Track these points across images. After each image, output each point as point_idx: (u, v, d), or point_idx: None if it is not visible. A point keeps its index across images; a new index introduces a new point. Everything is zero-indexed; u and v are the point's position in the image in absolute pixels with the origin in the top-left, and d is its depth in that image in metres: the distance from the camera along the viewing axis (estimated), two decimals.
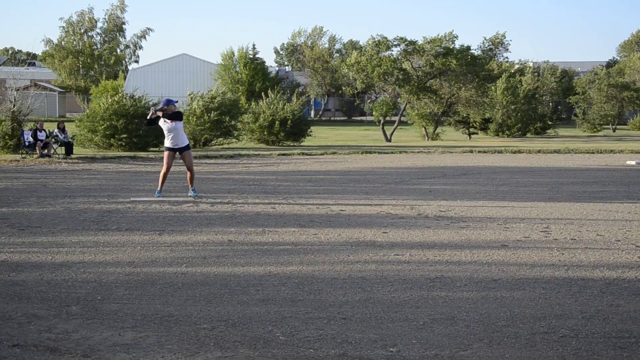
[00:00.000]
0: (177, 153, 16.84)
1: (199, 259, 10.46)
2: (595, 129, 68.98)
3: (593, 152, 36.53)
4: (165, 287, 8.67)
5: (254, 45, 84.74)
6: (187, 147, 17.05)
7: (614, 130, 71.34)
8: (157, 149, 33.93)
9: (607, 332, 6.96)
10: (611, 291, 8.62)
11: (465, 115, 54.88)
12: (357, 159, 32.03)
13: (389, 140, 47.14)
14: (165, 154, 16.87)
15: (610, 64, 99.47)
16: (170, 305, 7.79)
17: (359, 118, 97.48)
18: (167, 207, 15.63)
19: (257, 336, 6.68)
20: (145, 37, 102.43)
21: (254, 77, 76.88)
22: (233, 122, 38.45)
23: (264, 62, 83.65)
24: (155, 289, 8.57)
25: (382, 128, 50.40)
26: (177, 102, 18.11)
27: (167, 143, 16.83)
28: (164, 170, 16.79)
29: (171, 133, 16.66)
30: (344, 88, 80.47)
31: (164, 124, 16.62)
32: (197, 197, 16.71)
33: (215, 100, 37.10)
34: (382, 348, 6.40)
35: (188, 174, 16.85)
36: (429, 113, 52.13)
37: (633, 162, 29.79)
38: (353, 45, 64.75)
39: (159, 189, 16.78)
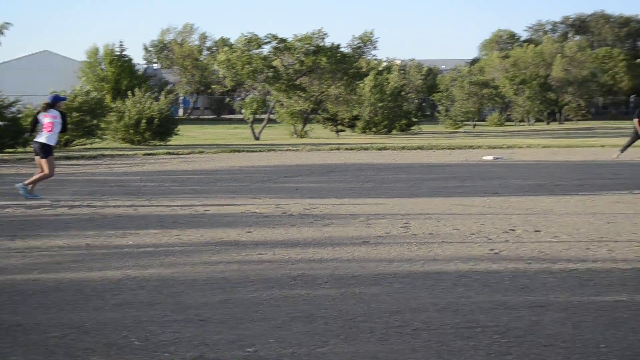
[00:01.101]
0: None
1: (53, 264, 10.16)
2: (456, 126, 70.45)
3: (454, 148, 37.27)
4: (15, 295, 8.40)
5: (120, 42, 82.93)
6: None
7: (473, 127, 72.80)
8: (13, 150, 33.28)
9: (457, 323, 7.18)
10: (463, 283, 8.88)
11: (334, 112, 55.32)
12: (225, 157, 31.84)
13: (258, 139, 47.17)
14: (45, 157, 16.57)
15: (473, 62, 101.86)
16: (19, 314, 7.53)
17: (228, 116, 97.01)
18: (22, 210, 15.22)
19: (110, 342, 6.59)
20: (2, 32, 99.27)
21: (120, 75, 75.61)
22: (96, 122, 37.57)
23: (132, 59, 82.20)
24: (3, 298, 8.29)
25: (251, 126, 50.40)
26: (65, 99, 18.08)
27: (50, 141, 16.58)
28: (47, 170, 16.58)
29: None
30: (213, 86, 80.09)
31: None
32: (27, 197, 16.31)
33: (76, 100, 36.14)
34: (240, 349, 6.45)
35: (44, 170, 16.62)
36: (298, 111, 52.31)
37: (490, 158, 30.55)
38: (224, 42, 63.98)
39: (29, 185, 16.40)
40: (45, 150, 16.49)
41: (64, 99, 18.87)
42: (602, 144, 39.68)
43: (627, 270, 9.59)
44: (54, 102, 16.99)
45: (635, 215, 14.32)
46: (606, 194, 17.62)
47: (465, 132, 63.11)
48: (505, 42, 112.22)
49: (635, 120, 29.74)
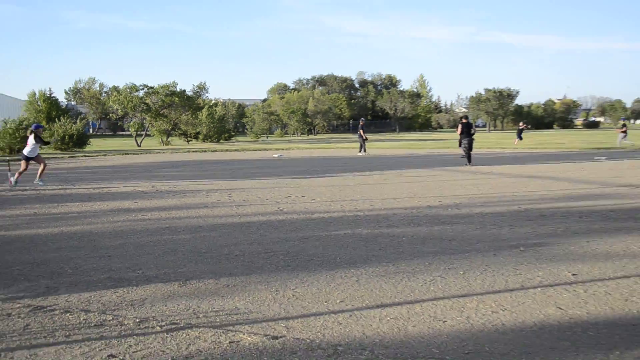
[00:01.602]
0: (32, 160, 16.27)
1: (13, 225, 9.75)
2: (257, 137, 71.06)
3: (255, 150, 37.49)
4: None
5: (50, 88, 79.00)
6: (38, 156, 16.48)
7: (267, 137, 73.60)
8: None
9: (260, 251, 7.38)
10: (262, 227, 9.04)
11: (185, 130, 54.97)
12: (119, 158, 30.83)
13: (140, 146, 45.96)
14: (25, 161, 16.14)
15: (264, 100, 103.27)
16: None
17: (120, 133, 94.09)
18: None
19: (53, 271, 6.47)
20: None
21: (50, 108, 71.35)
22: None
23: (57, 98, 77.92)
24: None
25: (135, 139, 49.37)
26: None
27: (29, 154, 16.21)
28: (23, 168, 16.13)
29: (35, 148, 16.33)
30: (110, 114, 77.14)
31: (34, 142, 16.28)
32: (42, 185, 15.93)
33: (24, 123, 34.66)
34: (133, 271, 6.45)
35: (41, 167, 16.37)
36: (163, 129, 51.59)
37: (276, 155, 31.00)
38: (115, 88, 63.54)
39: (16, 178, 15.78)
40: (28, 158, 16.16)
41: (42, 127, 18.46)
42: (337, 147, 40.91)
43: (350, 217, 10.02)
44: (36, 129, 16.71)
45: (356, 186, 14.90)
46: (343, 174, 18.28)
47: (263, 140, 63.72)
48: (281, 89, 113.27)
49: (360, 131, 30.96)
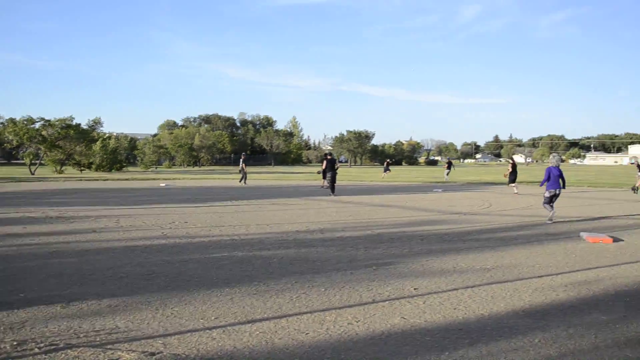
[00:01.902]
0: None
1: None
2: (147, 168, 68.62)
3: (146, 180, 36.01)
4: None
5: None
6: None
7: (156, 168, 71.18)
8: None
9: (143, 272, 7.03)
10: (147, 251, 8.62)
11: (79, 159, 51.73)
12: (14, 185, 28.29)
13: (33, 174, 42.56)
14: None
15: (155, 135, 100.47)
16: None
17: (15, 162, 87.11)
18: None
19: None
20: None
21: None
22: None
23: None
24: None
25: (29, 167, 45.93)
26: None
27: None
28: None
29: None
30: (5, 144, 71.22)
31: None
32: None
33: None
34: (15, 295, 5.87)
35: None
36: (57, 159, 48.20)
37: (163, 184, 29.98)
38: (12, 120, 58.13)
39: None
40: None
41: None
42: (219, 178, 40.26)
43: (228, 241, 9.81)
44: None
45: (234, 213, 14.62)
46: (224, 202, 17.94)
47: (152, 171, 61.39)
48: (171, 125, 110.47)
49: (243, 165, 30.74)
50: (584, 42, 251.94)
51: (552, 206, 12.88)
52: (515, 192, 23.03)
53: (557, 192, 12.89)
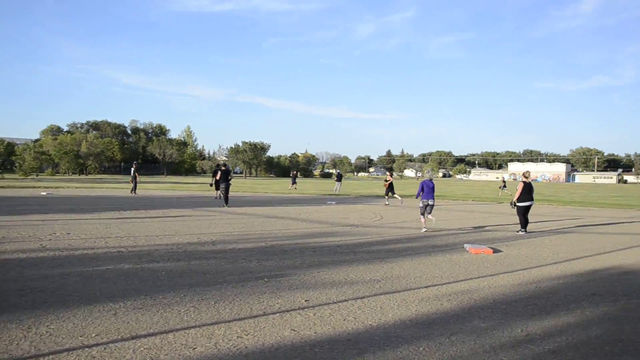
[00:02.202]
0: None
1: None
2: (26, 175, 64.24)
3: (26, 188, 33.49)
4: None
5: None
6: None
7: (37, 175, 66.75)
8: None
9: (15, 288, 6.50)
10: (22, 265, 7.95)
11: None
12: None
13: None
14: None
15: (36, 140, 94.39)
16: None
17: None
18: None
19: None
20: None
21: None
22: None
23: None
24: None
25: None
26: None
27: None
28: None
29: None
30: None
31: None
32: None
33: None
34: None
35: None
36: None
37: (44, 193, 28.12)
38: None
39: None
40: None
41: None
42: (107, 187, 38.43)
43: (114, 253, 9.35)
44: None
45: (121, 223, 13.98)
46: (111, 213, 17.08)
47: (32, 178, 57.37)
48: (55, 130, 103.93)
49: (136, 173, 29.53)
50: (470, 64, 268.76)
51: (428, 216, 14.14)
52: (387, 203, 24.52)
53: (430, 202, 14.25)
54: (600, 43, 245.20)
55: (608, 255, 10.60)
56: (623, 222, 18.11)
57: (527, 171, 15.28)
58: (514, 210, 17.08)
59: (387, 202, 24.56)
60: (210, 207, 21.08)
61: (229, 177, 21.97)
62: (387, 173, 27.36)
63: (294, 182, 42.37)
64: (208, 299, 6.26)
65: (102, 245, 10.13)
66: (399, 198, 26.12)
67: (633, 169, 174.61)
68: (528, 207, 14.35)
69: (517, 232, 14.17)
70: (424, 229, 13.97)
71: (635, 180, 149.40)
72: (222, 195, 21.74)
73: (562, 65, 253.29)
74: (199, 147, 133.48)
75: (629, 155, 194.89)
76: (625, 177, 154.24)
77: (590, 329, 5.51)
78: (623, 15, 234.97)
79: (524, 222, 14.21)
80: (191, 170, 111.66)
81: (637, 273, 8.69)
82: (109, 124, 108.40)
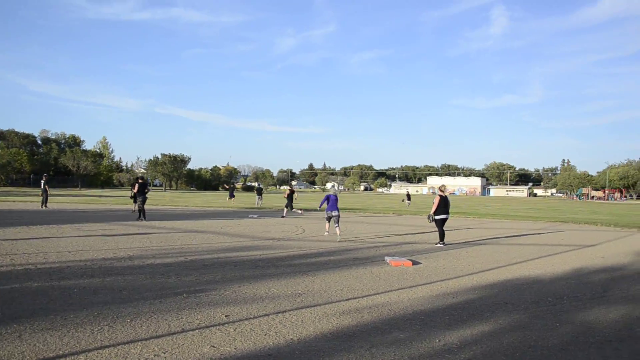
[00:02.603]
0: None
1: None
2: None
3: None
4: None
5: None
6: None
7: None
8: None
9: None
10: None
11: None
12: None
13: None
14: None
15: None
16: None
17: None
18: None
19: None
20: None
21: None
22: None
23: None
24: None
25: None
26: None
27: None
28: None
29: None
30: None
31: None
32: None
33: None
34: None
35: None
36: None
37: None
38: None
39: None
40: None
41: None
42: (14, 200, 36.27)
43: (21, 270, 8.84)
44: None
45: (30, 239, 13.23)
46: (18, 228, 16.09)
47: None
48: None
49: (46, 186, 28.07)
50: (389, 80, 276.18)
51: (336, 229, 15.45)
52: (283, 215, 25.73)
53: (334, 213, 15.73)
54: (510, 63, 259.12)
55: (519, 265, 11.15)
56: (533, 234, 19.12)
57: (443, 185, 15.88)
58: (433, 224, 17.65)
59: (284, 215, 25.93)
60: (128, 221, 20.40)
61: (146, 190, 21.37)
62: (287, 188, 28.26)
63: (232, 196, 41.73)
64: (123, 317, 6.04)
65: (7, 263, 9.56)
66: (300, 212, 27.38)
67: (542, 183, 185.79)
68: (444, 220, 14.89)
69: (436, 244, 14.64)
70: (326, 233, 16.46)
71: (544, 194, 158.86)
72: (139, 208, 21.09)
73: (476, 83, 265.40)
74: (116, 159, 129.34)
75: (537, 170, 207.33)
76: (535, 191, 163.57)
77: (503, 336, 5.77)
78: (530, 38, 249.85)
79: (442, 235, 14.71)
80: (108, 183, 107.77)
81: (545, 282, 9.20)
82: (16, 133, 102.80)
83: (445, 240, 15.06)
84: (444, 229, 14.98)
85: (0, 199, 38.69)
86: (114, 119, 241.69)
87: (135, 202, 23.80)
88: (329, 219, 16.10)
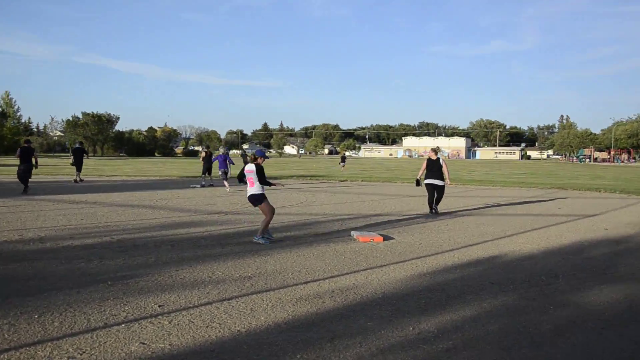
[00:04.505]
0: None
1: None
2: None
3: None
4: None
5: None
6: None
7: None
8: None
9: None
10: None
11: None
12: None
13: None
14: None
15: None
16: None
17: None
18: None
19: None
20: None
21: None
22: None
23: None
24: None
25: None
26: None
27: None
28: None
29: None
30: None
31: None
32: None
33: None
34: None
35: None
36: None
37: None
38: None
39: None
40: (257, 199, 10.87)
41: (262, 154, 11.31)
42: None
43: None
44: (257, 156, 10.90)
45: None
46: None
47: None
48: None
49: None
50: (357, 28, 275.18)
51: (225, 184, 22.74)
52: (203, 183, 26.23)
53: (225, 170, 23.48)
54: (499, 3, 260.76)
55: (508, 239, 11.36)
56: (525, 202, 19.51)
57: (437, 147, 16.70)
58: (409, 192, 17.88)
59: (200, 184, 26.06)
60: (39, 195, 19.94)
61: (34, 155, 20.63)
62: (204, 150, 27.44)
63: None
64: (30, 312, 5.89)
65: None
66: (227, 186, 24.59)
67: (536, 144, 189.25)
68: (433, 186, 15.31)
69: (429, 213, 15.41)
70: (227, 189, 22.34)
71: (539, 156, 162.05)
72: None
73: (458, 27, 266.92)
74: (24, 120, 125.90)
75: (531, 129, 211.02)
76: (529, 152, 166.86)
77: (488, 322, 5.86)
78: None
79: (431, 202, 15.30)
80: (13, 149, 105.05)
81: (538, 258, 9.40)
82: None
83: (439, 209, 15.73)
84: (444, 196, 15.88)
85: None
86: (21, 70, 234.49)
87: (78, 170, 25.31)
88: (225, 176, 23.41)
